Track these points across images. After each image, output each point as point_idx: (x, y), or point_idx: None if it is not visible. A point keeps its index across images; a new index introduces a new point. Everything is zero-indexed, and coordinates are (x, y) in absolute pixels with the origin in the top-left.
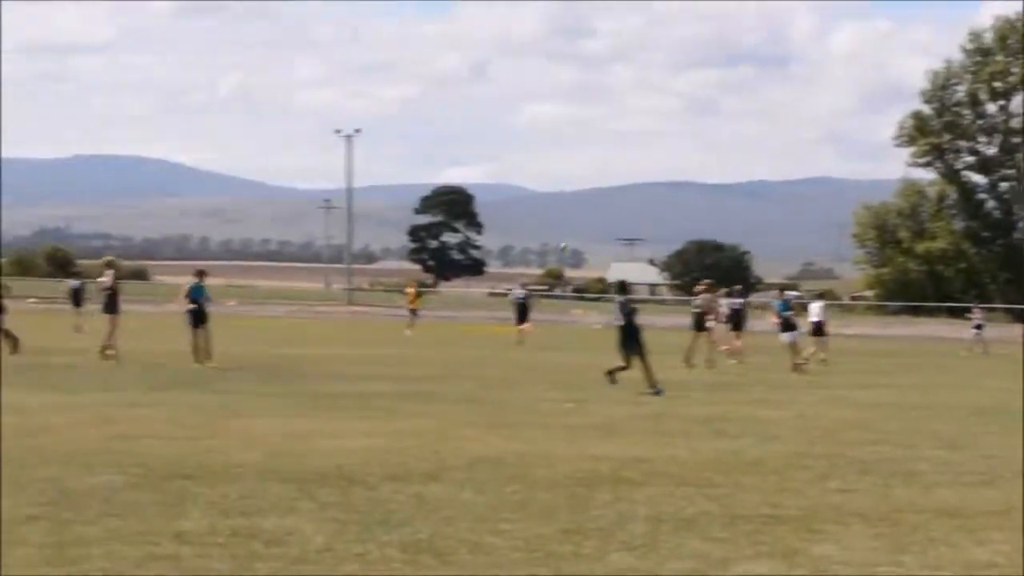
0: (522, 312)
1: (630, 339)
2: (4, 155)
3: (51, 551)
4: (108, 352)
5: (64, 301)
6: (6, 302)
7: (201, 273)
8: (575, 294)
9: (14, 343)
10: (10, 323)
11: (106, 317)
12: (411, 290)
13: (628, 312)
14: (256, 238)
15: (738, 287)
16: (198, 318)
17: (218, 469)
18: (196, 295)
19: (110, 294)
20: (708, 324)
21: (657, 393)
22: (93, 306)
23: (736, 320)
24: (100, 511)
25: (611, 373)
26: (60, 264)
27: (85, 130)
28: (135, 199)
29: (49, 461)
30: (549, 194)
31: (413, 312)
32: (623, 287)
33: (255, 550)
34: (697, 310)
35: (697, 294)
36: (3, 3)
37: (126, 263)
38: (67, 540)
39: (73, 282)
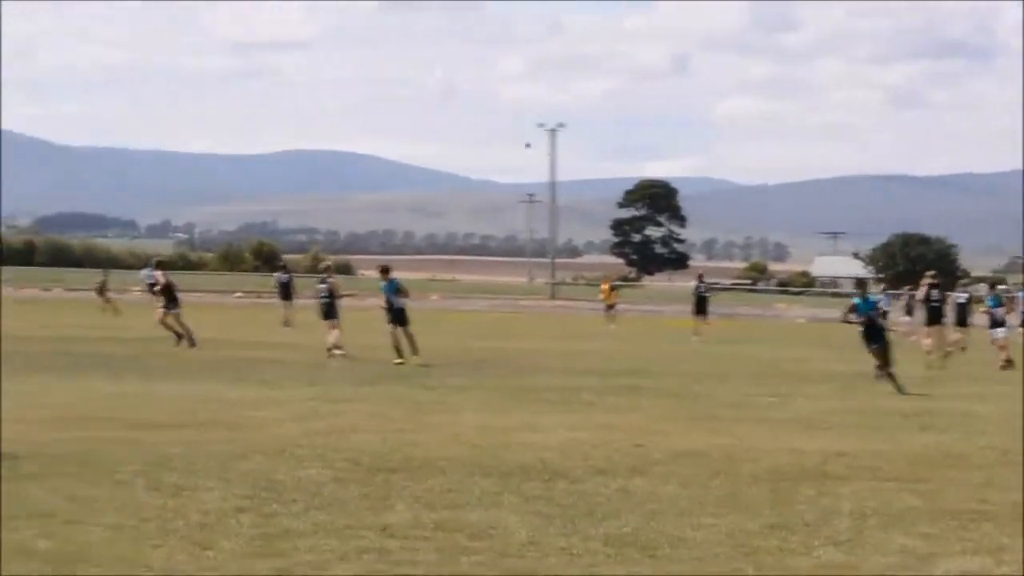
0: (701, 305)
1: (876, 337)
2: (214, 151)
3: (259, 543)
4: (335, 352)
5: (272, 295)
6: (182, 295)
7: (385, 269)
8: (779, 288)
9: (184, 338)
10: (217, 317)
11: (324, 323)
12: (606, 286)
13: (877, 313)
14: (460, 232)
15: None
16: (395, 315)
17: (423, 463)
18: (386, 292)
19: (328, 300)
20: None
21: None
22: (300, 301)
23: (950, 314)
24: (306, 504)
25: (881, 370)
26: (266, 259)
27: (291, 126)
28: (340, 194)
29: (256, 454)
30: (752, 187)
31: (609, 307)
32: (862, 284)
33: (460, 543)
34: (936, 304)
35: (924, 287)
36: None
37: (331, 257)
38: (273, 532)
39: (282, 276)
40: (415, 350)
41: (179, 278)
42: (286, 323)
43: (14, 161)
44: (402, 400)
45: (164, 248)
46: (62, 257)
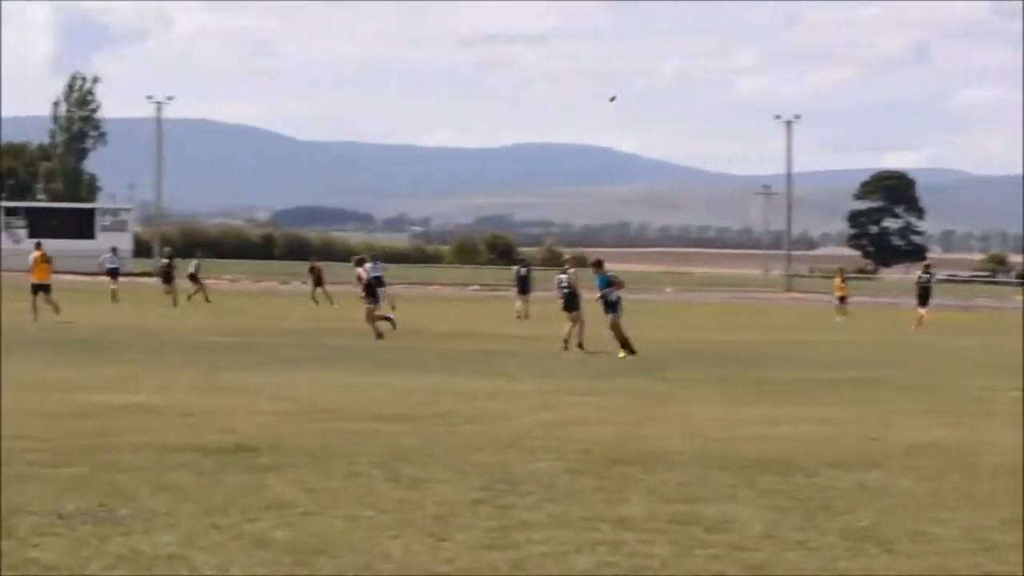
0: (924, 295)
1: None
2: (451, 144)
3: (494, 535)
4: (572, 343)
5: (509, 288)
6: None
7: (598, 263)
8: (1018, 280)
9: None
10: (453, 310)
11: (565, 315)
12: (838, 278)
13: None
14: (694, 224)
15: None
16: (610, 307)
17: (657, 455)
18: (600, 285)
19: (568, 292)
20: None
21: None
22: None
23: None
24: (541, 496)
25: None
26: (501, 252)
27: (526, 119)
28: (575, 186)
29: (492, 446)
30: (993, 178)
31: (841, 300)
32: None
33: (695, 536)
34: None
35: None
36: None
37: (565, 250)
38: (509, 524)
39: (520, 269)
40: (628, 346)
41: (415, 271)
42: (522, 315)
43: (254, 156)
44: (636, 393)
45: (400, 242)
46: (300, 251)
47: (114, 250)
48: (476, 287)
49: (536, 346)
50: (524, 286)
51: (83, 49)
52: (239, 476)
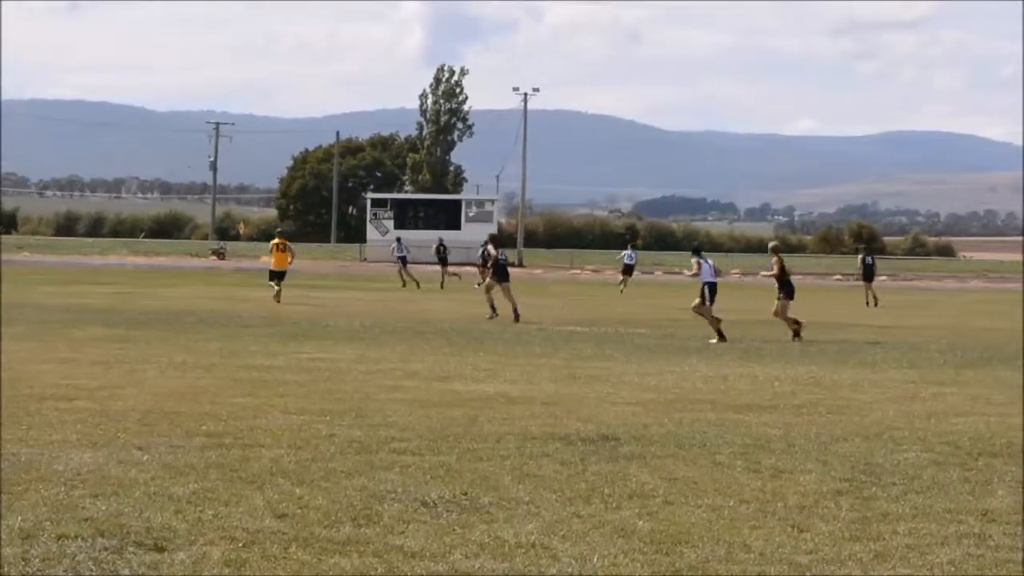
0: None
1: None
2: (816, 133)
3: (856, 526)
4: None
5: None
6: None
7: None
8: None
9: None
10: (817, 299)
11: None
12: None
13: None
14: None
15: None
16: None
17: None
18: None
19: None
20: None
21: None
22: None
23: None
24: (905, 488)
25: None
26: (865, 241)
27: (894, 107)
28: (942, 175)
29: (855, 437)
30: None
31: None
32: None
33: None
34: None
35: None
36: None
37: (931, 239)
38: (871, 516)
39: (867, 257)
40: None
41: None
42: (873, 302)
43: (617, 146)
44: (1007, 384)
45: (764, 231)
46: (663, 241)
47: (398, 240)
48: (839, 276)
49: (898, 335)
50: (869, 274)
51: (452, 42)
52: (601, 465)
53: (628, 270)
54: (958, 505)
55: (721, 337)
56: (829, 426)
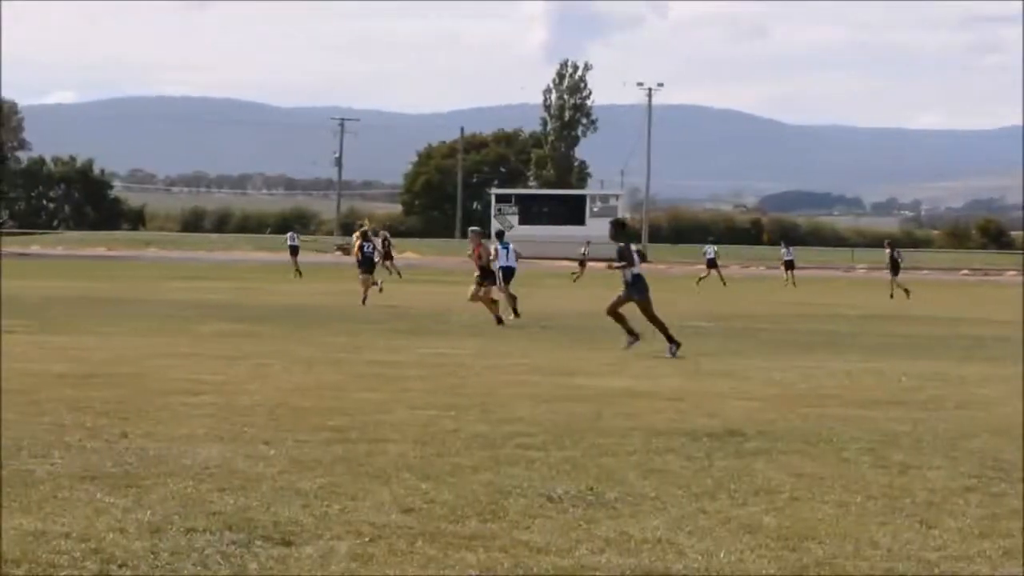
0: None
1: None
2: (943, 127)
3: (985, 522)
4: None
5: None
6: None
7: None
8: None
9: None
10: (944, 294)
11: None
12: None
13: None
14: None
15: None
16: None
17: None
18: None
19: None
20: None
21: None
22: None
23: None
24: None
25: None
26: (993, 236)
27: (1019, 101)
28: None
29: (983, 433)
30: None
31: None
32: None
33: None
34: None
35: None
36: None
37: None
38: (1000, 512)
39: (894, 252)
40: None
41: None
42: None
43: (743, 141)
44: None
45: (890, 226)
46: (788, 236)
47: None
48: (966, 271)
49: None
50: (895, 267)
51: (577, 37)
52: (727, 461)
53: (789, 265)
54: None
55: (499, 321)
56: (957, 422)
